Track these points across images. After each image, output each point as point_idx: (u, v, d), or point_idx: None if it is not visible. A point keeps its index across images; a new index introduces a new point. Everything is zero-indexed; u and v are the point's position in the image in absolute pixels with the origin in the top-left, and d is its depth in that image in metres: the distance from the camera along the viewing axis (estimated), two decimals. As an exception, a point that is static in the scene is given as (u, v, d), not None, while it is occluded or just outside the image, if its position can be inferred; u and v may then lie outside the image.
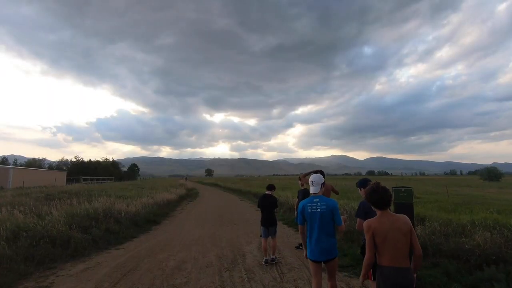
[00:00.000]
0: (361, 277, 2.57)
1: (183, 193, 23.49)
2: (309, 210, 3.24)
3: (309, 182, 3.41)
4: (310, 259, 3.25)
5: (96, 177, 42.18)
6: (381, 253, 2.44)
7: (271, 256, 5.83)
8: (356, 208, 3.87)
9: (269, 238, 5.93)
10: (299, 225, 3.39)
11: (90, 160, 55.47)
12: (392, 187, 4.50)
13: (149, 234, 8.60)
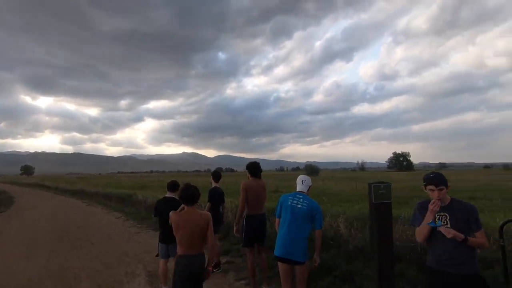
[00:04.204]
0: None
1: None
2: (289, 203, 3.18)
3: (297, 180, 3.37)
4: (277, 257, 3.12)
5: None
6: (179, 243, 2.78)
7: None
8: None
9: (170, 259, 4.13)
10: (276, 219, 3.30)
11: None
12: (371, 184, 3.51)
13: None
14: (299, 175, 3.68)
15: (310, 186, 3.36)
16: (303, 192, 3.26)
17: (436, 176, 2.32)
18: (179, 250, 2.80)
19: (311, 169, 69.94)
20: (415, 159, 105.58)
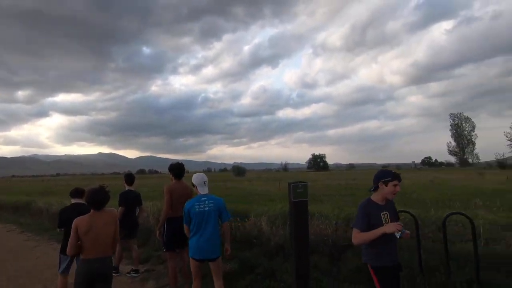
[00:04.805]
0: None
1: None
2: (197, 209, 3.17)
3: (197, 182, 3.28)
4: (194, 259, 3.19)
5: None
6: (85, 247, 2.66)
7: None
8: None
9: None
10: (185, 226, 3.25)
11: None
12: (290, 183, 3.74)
13: None
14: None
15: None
16: (206, 193, 3.27)
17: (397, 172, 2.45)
18: (84, 255, 2.71)
19: (238, 170, 71.08)
20: (330, 160, 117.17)
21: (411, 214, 4.01)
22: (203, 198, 3.24)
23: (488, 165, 61.98)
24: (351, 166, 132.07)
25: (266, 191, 19.29)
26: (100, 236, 2.70)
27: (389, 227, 2.25)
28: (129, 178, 4.96)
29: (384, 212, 2.39)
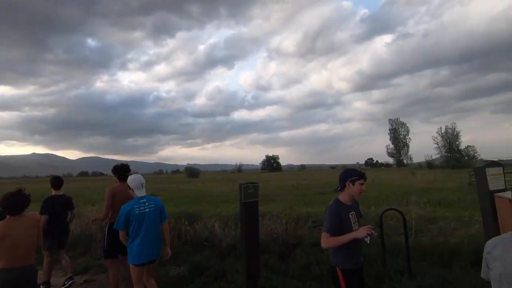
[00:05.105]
0: None
1: None
2: (137, 211, 3.02)
3: (134, 185, 3.09)
4: (135, 265, 3.00)
5: None
6: (2, 256, 2.48)
7: None
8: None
9: None
10: (120, 231, 3.03)
11: None
12: (241, 184, 3.76)
13: None
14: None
15: None
16: (144, 195, 3.17)
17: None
18: (2, 264, 2.51)
19: (191, 172, 69.44)
20: (283, 161, 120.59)
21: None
22: (142, 200, 3.11)
23: (419, 166, 69.49)
24: (302, 167, 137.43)
25: (220, 192, 19.15)
26: (21, 242, 2.53)
27: (361, 232, 2.15)
28: (56, 181, 4.39)
29: (352, 212, 2.34)
